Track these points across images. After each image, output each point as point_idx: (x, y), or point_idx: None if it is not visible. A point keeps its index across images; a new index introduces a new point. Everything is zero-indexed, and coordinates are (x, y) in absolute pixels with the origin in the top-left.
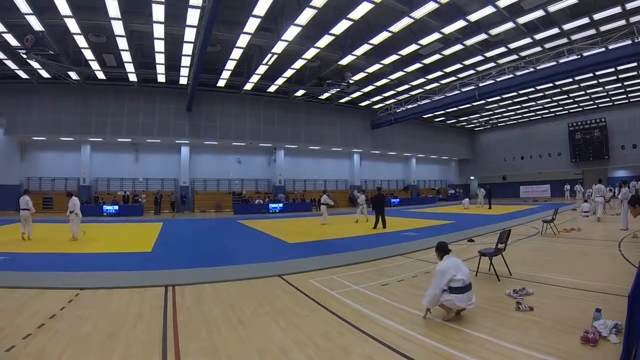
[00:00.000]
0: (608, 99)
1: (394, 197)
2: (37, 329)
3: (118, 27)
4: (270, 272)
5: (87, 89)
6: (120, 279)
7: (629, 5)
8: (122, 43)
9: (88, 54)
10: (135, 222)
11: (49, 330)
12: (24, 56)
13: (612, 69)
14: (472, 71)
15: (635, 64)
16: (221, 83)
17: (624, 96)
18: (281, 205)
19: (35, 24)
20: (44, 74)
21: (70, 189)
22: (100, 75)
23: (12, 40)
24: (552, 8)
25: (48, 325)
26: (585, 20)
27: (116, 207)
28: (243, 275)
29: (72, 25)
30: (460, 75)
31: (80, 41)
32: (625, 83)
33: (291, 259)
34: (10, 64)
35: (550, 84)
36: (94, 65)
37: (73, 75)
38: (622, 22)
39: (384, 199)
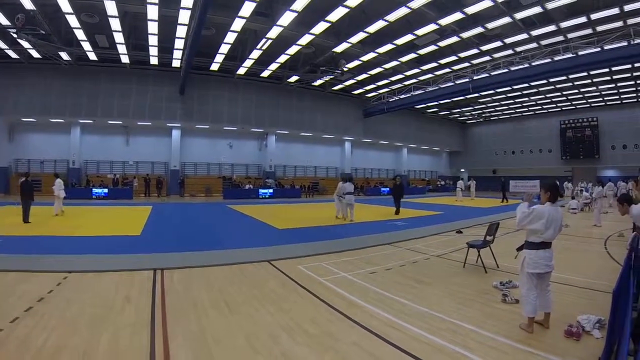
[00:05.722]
0: (601, 99)
1: (383, 186)
2: (24, 313)
3: (111, 8)
4: (260, 258)
5: (78, 70)
6: (109, 262)
7: (627, 7)
8: (115, 24)
9: (80, 35)
10: (124, 205)
11: (37, 313)
12: (14, 35)
13: (607, 69)
14: (467, 64)
15: (629, 66)
16: (214, 67)
17: (617, 97)
18: (271, 190)
19: (27, 2)
20: (35, 54)
21: (58, 171)
22: (92, 56)
23: (3, 19)
24: (550, 5)
25: (36, 308)
26: (583, 19)
27: (105, 190)
28: (232, 260)
29: (64, 4)
30: (455, 68)
31: (72, 21)
32: (619, 84)
33: (280, 245)
34: None
35: (544, 81)
36: (86, 46)
37: (64, 55)
38: (620, 24)
39: (401, 188)
